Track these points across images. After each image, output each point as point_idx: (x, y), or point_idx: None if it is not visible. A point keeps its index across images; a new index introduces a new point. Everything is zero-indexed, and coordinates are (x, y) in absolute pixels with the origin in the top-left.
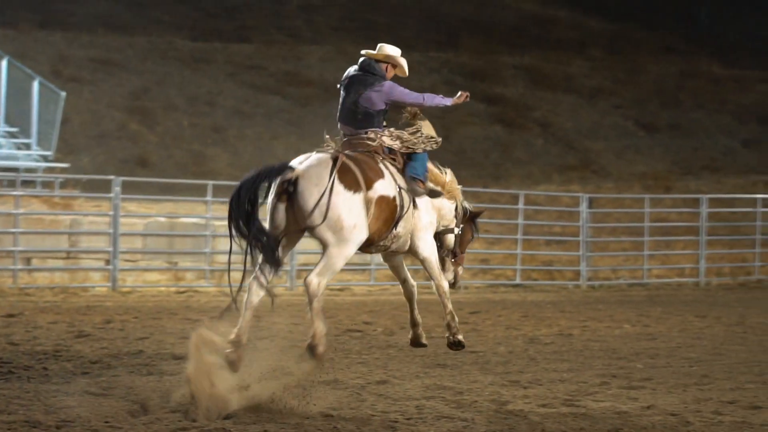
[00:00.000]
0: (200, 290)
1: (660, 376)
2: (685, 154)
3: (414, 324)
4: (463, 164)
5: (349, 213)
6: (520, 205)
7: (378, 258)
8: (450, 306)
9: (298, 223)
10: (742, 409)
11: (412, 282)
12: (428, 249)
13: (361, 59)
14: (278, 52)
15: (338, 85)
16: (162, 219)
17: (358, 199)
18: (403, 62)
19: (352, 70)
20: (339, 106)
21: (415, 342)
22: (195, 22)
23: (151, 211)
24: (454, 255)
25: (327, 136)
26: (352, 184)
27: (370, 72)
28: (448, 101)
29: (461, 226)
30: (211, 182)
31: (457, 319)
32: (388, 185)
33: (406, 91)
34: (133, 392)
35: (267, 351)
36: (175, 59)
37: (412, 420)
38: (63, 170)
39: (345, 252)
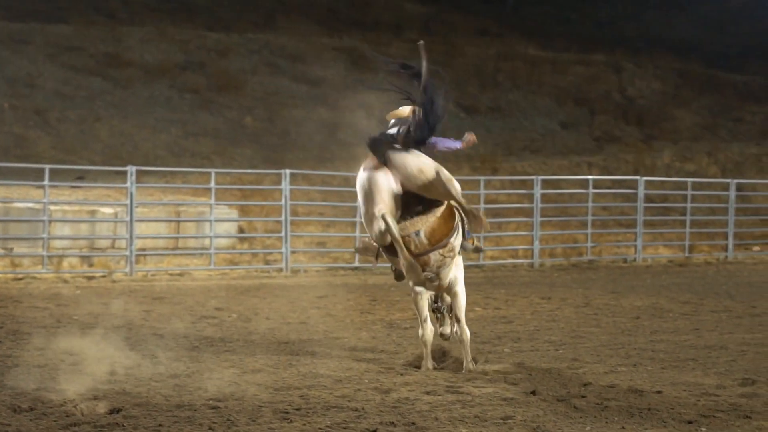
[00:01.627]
0: (38, 277)
1: (530, 360)
2: (506, 136)
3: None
4: (288, 147)
5: None
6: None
7: (218, 242)
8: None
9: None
10: (623, 393)
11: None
12: (462, 285)
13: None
14: (97, 33)
15: None
16: None
17: None
18: None
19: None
20: None
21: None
22: (11, 1)
23: None
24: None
25: None
26: None
27: None
28: (459, 144)
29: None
30: (47, 166)
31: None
32: None
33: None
34: (7, 387)
35: (129, 339)
36: None
37: (302, 410)
38: None
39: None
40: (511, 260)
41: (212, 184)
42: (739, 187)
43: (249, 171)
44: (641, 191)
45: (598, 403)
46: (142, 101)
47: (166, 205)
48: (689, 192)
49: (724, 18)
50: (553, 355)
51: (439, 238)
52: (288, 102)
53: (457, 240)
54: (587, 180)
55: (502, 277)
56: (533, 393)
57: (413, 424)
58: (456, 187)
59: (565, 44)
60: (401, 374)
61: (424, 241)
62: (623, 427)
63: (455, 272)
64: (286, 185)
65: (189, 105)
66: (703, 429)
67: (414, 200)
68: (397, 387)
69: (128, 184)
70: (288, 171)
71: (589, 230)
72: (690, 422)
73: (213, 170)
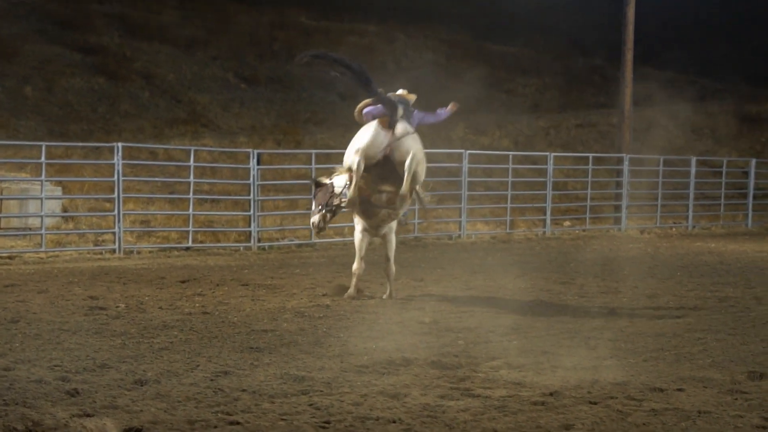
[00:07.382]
0: None
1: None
2: (288, 107)
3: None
4: (71, 118)
5: None
6: (191, 162)
7: (48, 221)
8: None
9: None
10: (646, 391)
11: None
12: (393, 235)
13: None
14: None
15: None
16: None
17: None
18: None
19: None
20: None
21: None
22: None
23: None
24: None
25: None
26: None
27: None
28: (443, 113)
29: None
30: None
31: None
32: None
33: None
34: None
35: (42, 338)
36: None
37: (332, 423)
38: None
39: None
40: (340, 239)
41: (42, 159)
42: (542, 161)
43: (79, 144)
44: (465, 165)
45: (620, 411)
46: None
47: None
48: (510, 166)
49: None
50: (505, 346)
51: (392, 202)
52: (65, 71)
53: (402, 210)
54: None
55: (342, 256)
56: (552, 395)
57: None
58: (420, 178)
59: (337, 14)
60: (383, 374)
61: (383, 200)
62: None
63: (391, 226)
64: (118, 160)
65: None
66: None
67: (393, 173)
68: (401, 390)
69: None
70: (120, 144)
71: (416, 206)
72: (763, 427)
73: (43, 143)
